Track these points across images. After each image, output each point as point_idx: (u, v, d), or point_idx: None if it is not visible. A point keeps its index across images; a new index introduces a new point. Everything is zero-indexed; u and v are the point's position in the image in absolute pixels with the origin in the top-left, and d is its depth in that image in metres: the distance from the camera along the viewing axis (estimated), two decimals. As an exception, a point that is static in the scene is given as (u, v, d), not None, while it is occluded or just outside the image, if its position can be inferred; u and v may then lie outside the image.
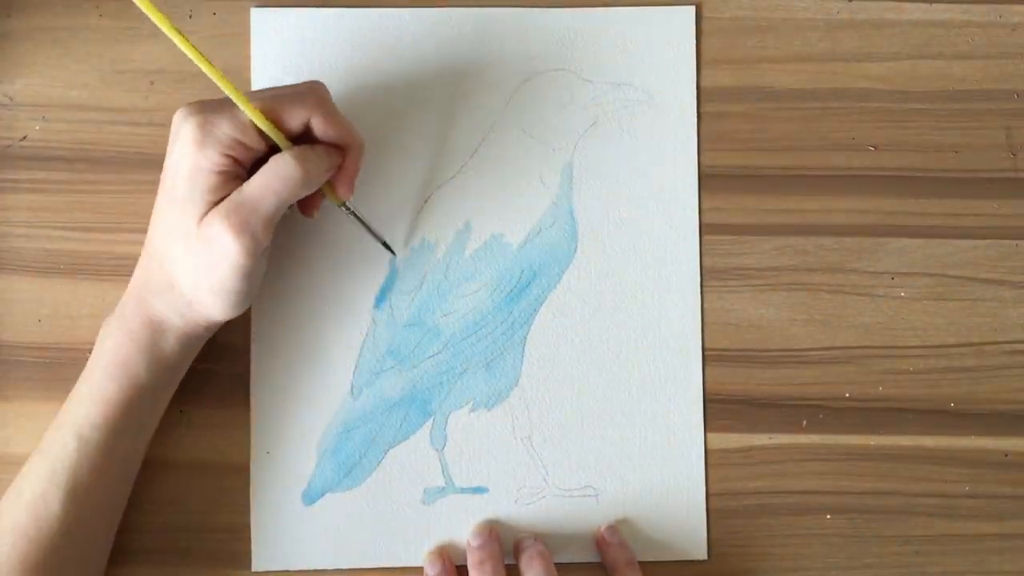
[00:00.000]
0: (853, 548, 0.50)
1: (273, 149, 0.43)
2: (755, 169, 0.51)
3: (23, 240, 0.50)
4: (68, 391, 0.47)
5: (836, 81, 0.52)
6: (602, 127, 0.51)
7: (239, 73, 0.50)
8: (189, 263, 0.42)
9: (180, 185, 0.42)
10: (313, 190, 0.44)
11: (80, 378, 0.45)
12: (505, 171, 0.50)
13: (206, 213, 0.42)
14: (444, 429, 0.50)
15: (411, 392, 0.50)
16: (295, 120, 0.43)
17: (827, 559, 0.50)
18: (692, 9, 0.51)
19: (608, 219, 0.51)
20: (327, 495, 0.49)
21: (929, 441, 0.51)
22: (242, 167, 0.43)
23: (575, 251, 0.50)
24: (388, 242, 0.49)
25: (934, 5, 0.52)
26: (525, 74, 0.51)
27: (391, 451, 0.49)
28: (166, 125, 0.50)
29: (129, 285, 0.45)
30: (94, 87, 0.50)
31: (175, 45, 0.51)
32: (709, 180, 0.51)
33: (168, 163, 0.43)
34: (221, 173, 0.42)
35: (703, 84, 0.51)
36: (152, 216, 0.44)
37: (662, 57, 0.51)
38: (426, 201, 0.50)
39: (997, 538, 0.50)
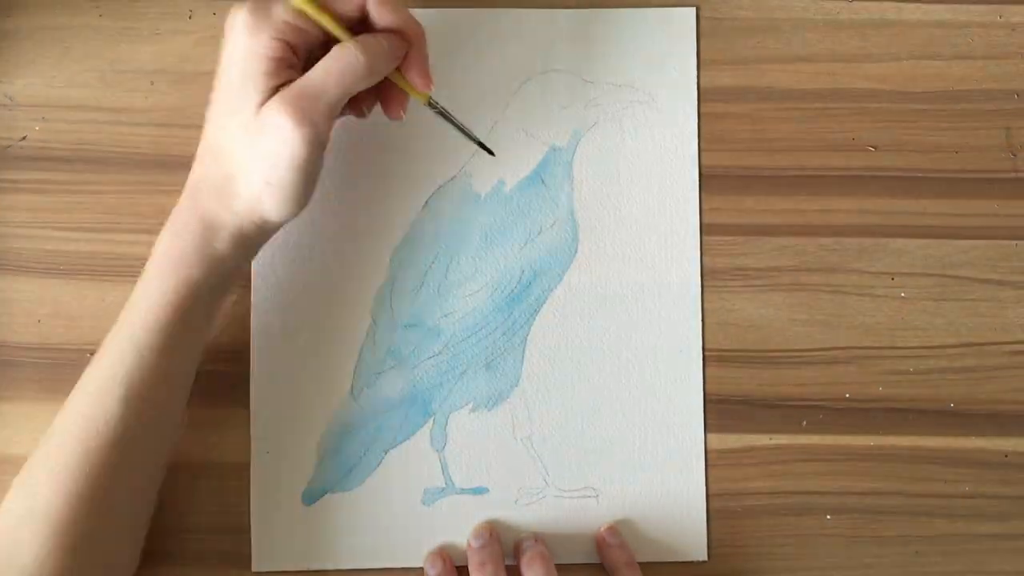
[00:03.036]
0: (853, 548, 0.50)
1: (333, 42, 0.42)
2: (755, 169, 0.51)
3: (23, 240, 0.50)
4: (68, 391, 0.47)
5: (836, 81, 0.52)
6: (602, 127, 0.51)
7: (239, 73, 0.50)
8: (246, 155, 0.41)
9: (234, 73, 0.41)
10: (377, 80, 0.43)
11: (138, 281, 0.44)
12: (506, 171, 0.50)
13: (263, 102, 0.41)
14: (444, 429, 0.50)
15: (411, 392, 0.50)
16: (349, 5, 0.42)
17: (827, 559, 0.50)
18: (693, 10, 0.51)
19: (609, 219, 0.51)
20: (327, 495, 0.49)
21: (929, 441, 0.51)
22: (297, 56, 0.42)
23: (575, 251, 0.50)
24: (480, 139, 0.49)
25: (934, 5, 0.52)
26: (525, 74, 0.51)
27: (391, 451, 0.49)
28: (166, 125, 0.50)
29: (185, 186, 0.44)
30: (94, 87, 0.50)
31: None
32: (709, 180, 0.51)
33: (223, 56, 0.42)
34: (276, 59, 0.41)
35: (703, 84, 0.51)
36: (207, 111, 0.43)
37: (662, 58, 0.51)
38: (427, 201, 0.50)
39: (997, 538, 0.50)
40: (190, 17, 0.51)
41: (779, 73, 0.52)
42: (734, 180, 0.51)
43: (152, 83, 0.50)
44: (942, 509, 0.51)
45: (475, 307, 0.50)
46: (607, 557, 0.49)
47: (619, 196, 0.51)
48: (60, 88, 0.50)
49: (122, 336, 0.43)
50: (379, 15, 0.43)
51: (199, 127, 0.50)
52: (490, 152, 0.49)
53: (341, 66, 0.41)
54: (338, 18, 0.42)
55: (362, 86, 0.42)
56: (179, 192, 0.49)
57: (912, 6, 0.52)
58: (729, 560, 0.50)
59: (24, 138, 0.50)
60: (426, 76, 0.44)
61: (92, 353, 0.49)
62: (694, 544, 0.50)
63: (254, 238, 0.44)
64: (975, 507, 0.51)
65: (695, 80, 0.51)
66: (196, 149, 0.49)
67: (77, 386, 0.43)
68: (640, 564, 0.48)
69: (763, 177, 0.51)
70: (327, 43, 0.42)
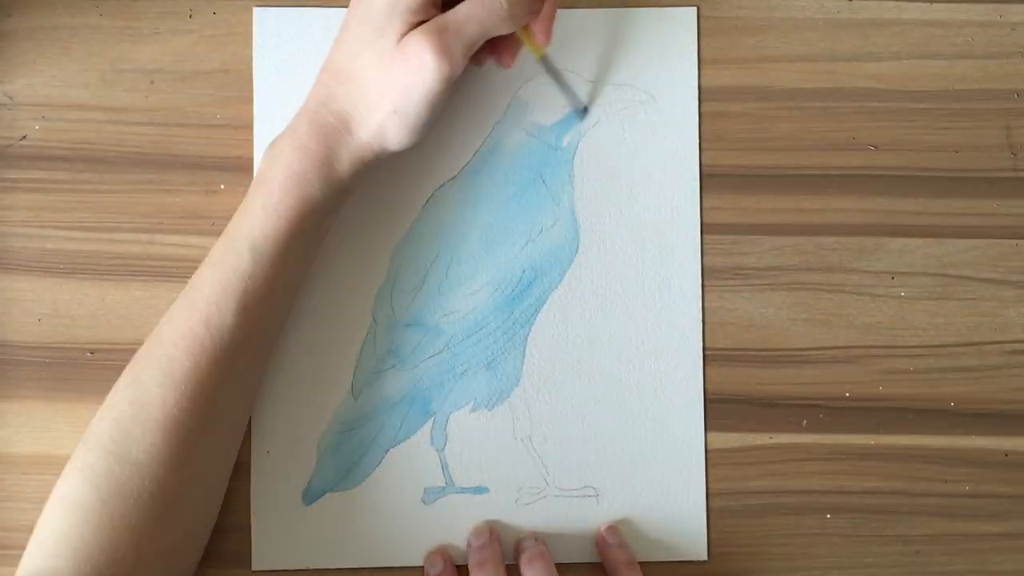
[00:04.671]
0: (853, 548, 0.50)
1: None
2: (755, 169, 0.51)
3: (23, 240, 0.50)
4: (68, 391, 0.47)
5: (836, 81, 0.52)
6: (603, 127, 0.51)
7: (240, 73, 0.50)
8: (378, 84, 0.43)
9: (379, 4, 0.43)
10: (514, 28, 0.44)
11: (249, 194, 0.45)
12: (506, 171, 0.50)
13: (404, 34, 0.42)
14: (444, 429, 0.50)
15: (412, 392, 0.50)
16: None
17: (827, 559, 0.50)
18: (694, 10, 0.51)
19: (609, 219, 0.51)
20: (327, 495, 0.49)
21: (929, 441, 0.51)
22: None
23: (576, 251, 0.50)
24: (580, 98, 0.50)
25: (934, 5, 0.52)
26: (526, 74, 0.51)
27: (391, 451, 0.49)
28: (166, 125, 0.50)
29: (302, 106, 0.45)
30: (94, 87, 0.50)
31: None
32: (710, 180, 0.51)
33: None
34: None
35: (703, 84, 0.51)
36: (338, 38, 0.45)
37: (663, 58, 0.51)
38: (427, 200, 0.50)
39: (997, 538, 0.50)
40: (190, 17, 0.51)
41: (779, 73, 0.52)
42: (734, 180, 0.51)
43: (152, 83, 0.50)
44: (942, 509, 0.51)
45: (476, 307, 0.50)
46: (607, 557, 0.49)
47: (619, 196, 0.51)
48: (60, 88, 0.50)
49: (239, 245, 0.44)
50: None
51: (199, 127, 0.50)
52: (585, 112, 0.50)
53: (485, 9, 0.43)
54: None
55: (501, 31, 0.44)
56: (179, 192, 0.50)
57: (912, 6, 0.52)
58: (729, 560, 0.50)
59: (24, 138, 0.50)
60: (549, 32, 0.46)
61: (92, 352, 0.49)
62: (694, 544, 0.50)
63: (371, 164, 0.45)
64: (975, 507, 0.51)
65: (695, 80, 0.51)
66: (196, 149, 0.49)
67: (186, 291, 0.44)
68: (640, 564, 0.48)
69: (763, 177, 0.51)
70: None
